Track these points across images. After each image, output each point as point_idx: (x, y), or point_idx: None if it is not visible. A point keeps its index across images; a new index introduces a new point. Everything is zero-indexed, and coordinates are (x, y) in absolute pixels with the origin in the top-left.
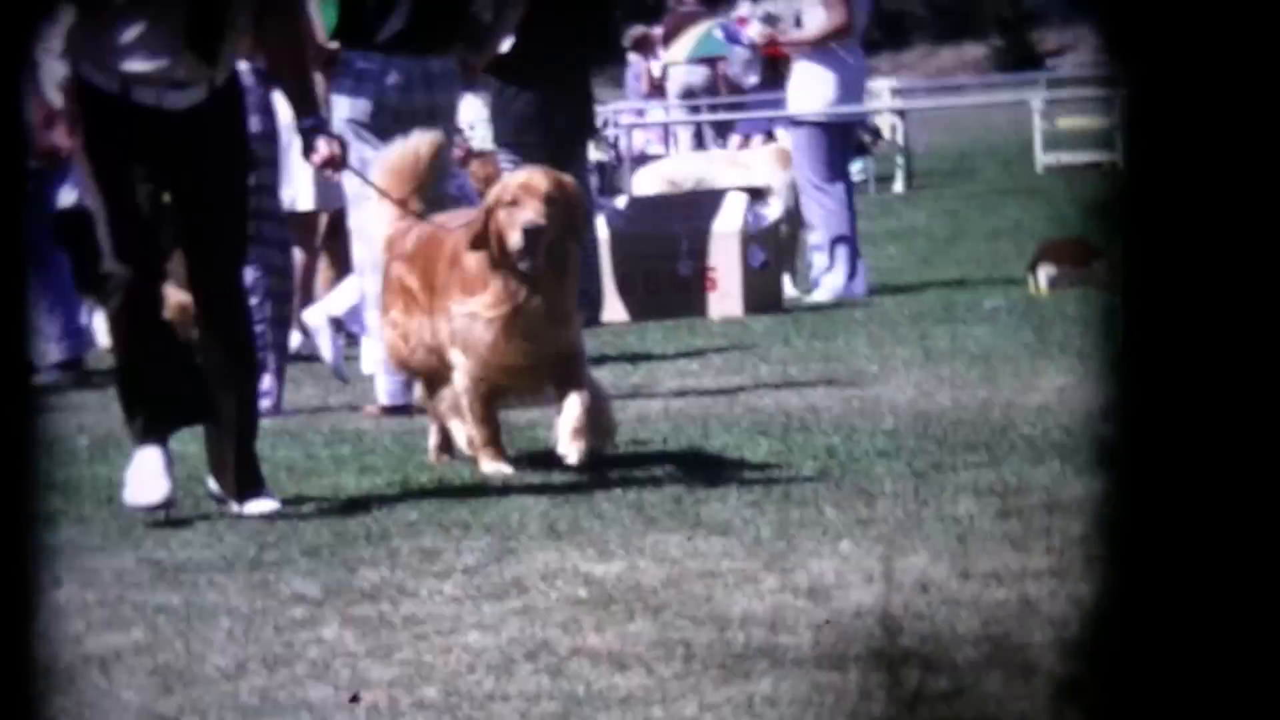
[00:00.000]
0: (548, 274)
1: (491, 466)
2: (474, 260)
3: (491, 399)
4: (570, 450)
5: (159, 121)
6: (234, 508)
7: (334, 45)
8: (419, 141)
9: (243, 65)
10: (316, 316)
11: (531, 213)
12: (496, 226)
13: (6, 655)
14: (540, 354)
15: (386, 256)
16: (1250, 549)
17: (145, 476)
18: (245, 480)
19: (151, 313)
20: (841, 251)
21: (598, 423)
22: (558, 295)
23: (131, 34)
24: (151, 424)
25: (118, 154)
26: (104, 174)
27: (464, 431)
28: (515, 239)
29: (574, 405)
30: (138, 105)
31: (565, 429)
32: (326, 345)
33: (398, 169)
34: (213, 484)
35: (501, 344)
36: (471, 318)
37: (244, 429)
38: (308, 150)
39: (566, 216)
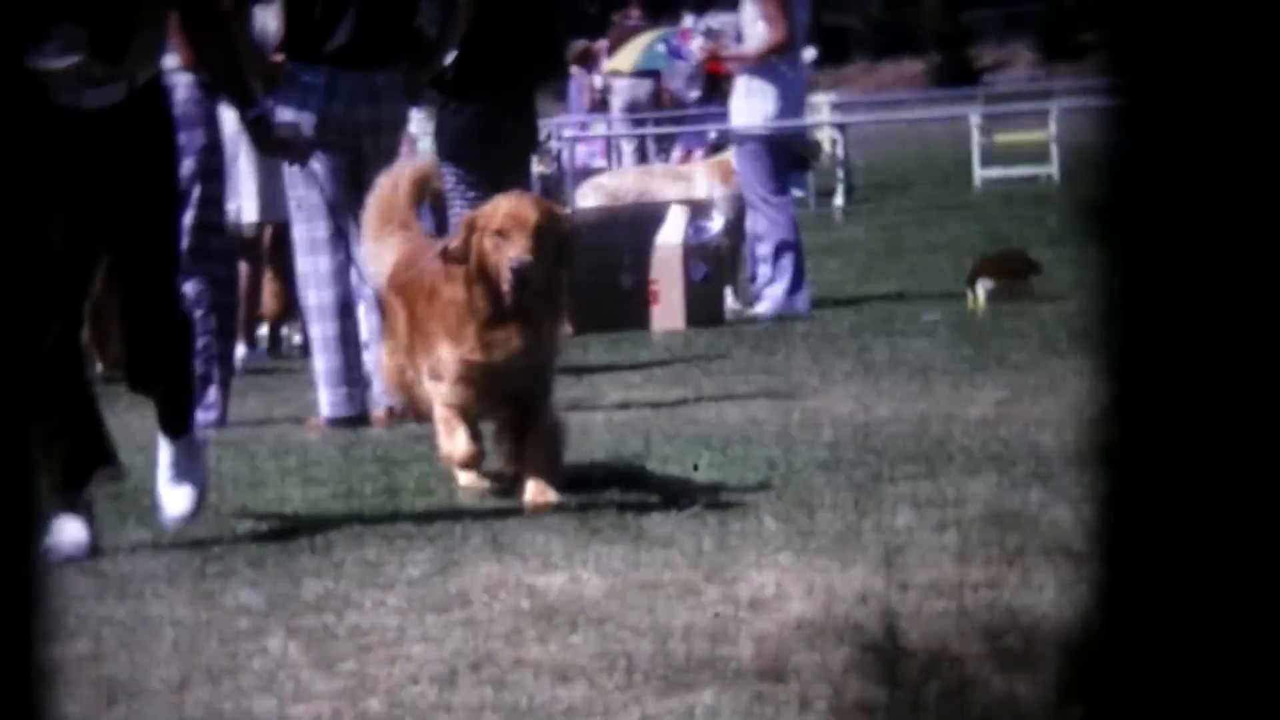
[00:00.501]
0: (532, 310)
1: (466, 477)
2: (451, 289)
3: (469, 419)
4: (541, 498)
5: (78, 122)
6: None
7: (279, 58)
8: (399, 172)
9: (185, 78)
10: None
11: (520, 250)
12: (480, 254)
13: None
14: (513, 390)
15: (387, 289)
16: (1246, 551)
17: (69, 533)
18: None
19: (73, 367)
20: (786, 264)
21: (555, 463)
22: (539, 333)
23: (48, 31)
24: (70, 487)
25: (26, 179)
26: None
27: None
28: (504, 276)
29: (536, 450)
30: (57, 107)
31: (531, 477)
32: None
33: (379, 201)
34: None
35: (476, 379)
36: (448, 351)
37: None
38: (258, 141)
39: (556, 250)
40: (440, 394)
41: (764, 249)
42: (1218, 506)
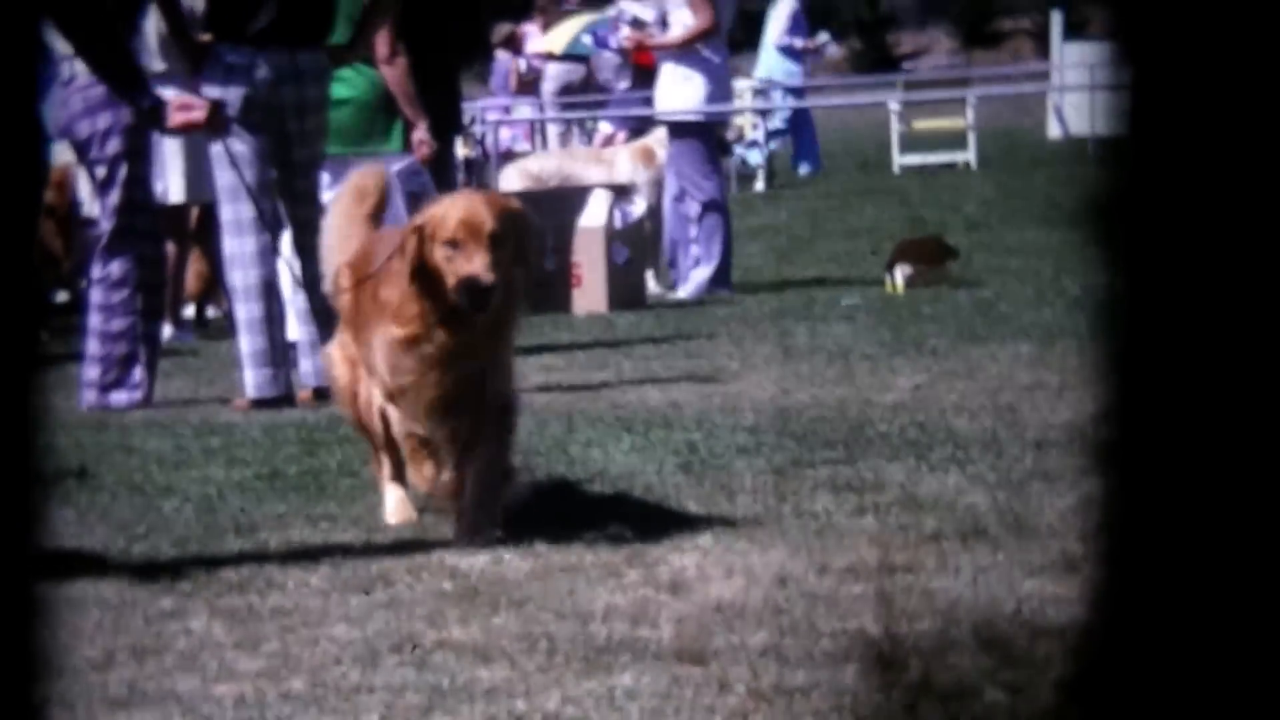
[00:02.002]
0: (489, 322)
1: (396, 510)
2: (402, 303)
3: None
4: (457, 526)
5: None
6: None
7: (206, 38)
8: (360, 178)
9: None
10: None
11: (478, 264)
12: (431, 263)
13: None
14: (465, 403)
15: (341, 287)
16: (1246, 551)
17: None
18: None
19: None
20: (716, 248)
21: (496, 497)
22: (495, 344)
23: None
24: None
25: None
26: None
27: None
28: (461, 297)
29: (477, 481)
30: None
31: (464, 509)
32: None
33: (341, 212)
34: None
35: (424, 389)
36: (392, 357)
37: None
38: (158, 128)
39: (516, 255)
40: (398, 420)
41: (695, 231)
42: (1217, 506)
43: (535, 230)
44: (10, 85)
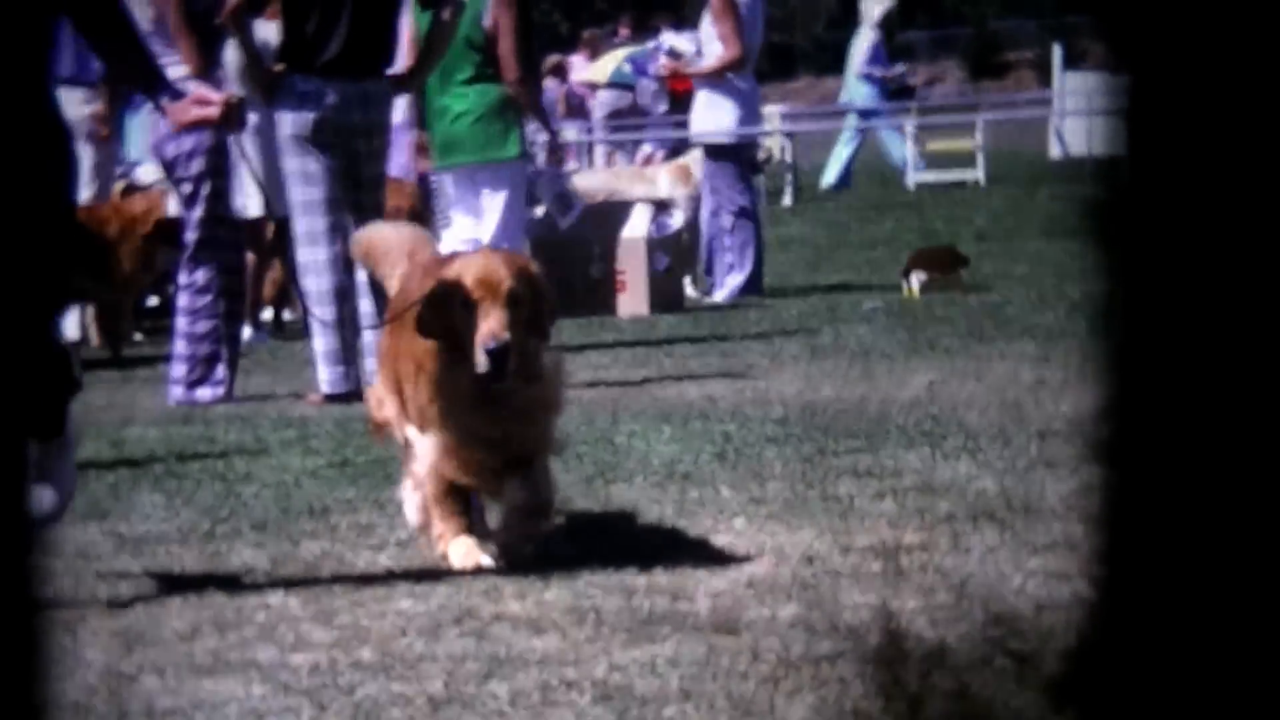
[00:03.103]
0: (519, 381)
1: (464, 557)
2: (429, 359)
3: (452, 490)
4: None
5: None
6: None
7: (279, 68)
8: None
9: (194, 85)
10: None
11: (495, 325)
12: (449, 322)
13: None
14: (504, 455)
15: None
16: (1245, 552)
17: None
18: None
19: None
20: (749, 257)
21: (535, 519)
22: (525, 397)
23: None
24: None
25: None
26: None
27: (417, 515)
28: (479, 359)
29: (515, 503)
30: None
31: (502, 526)
32: None
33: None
34: None
35: (462, 445)
36: (433, 414)
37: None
38: (173, 113)
39: (533, 312)
40: (427, 475)
41: (728, 241)
42: (1216, 507)
43: (550, 290)
44: (27, 80)
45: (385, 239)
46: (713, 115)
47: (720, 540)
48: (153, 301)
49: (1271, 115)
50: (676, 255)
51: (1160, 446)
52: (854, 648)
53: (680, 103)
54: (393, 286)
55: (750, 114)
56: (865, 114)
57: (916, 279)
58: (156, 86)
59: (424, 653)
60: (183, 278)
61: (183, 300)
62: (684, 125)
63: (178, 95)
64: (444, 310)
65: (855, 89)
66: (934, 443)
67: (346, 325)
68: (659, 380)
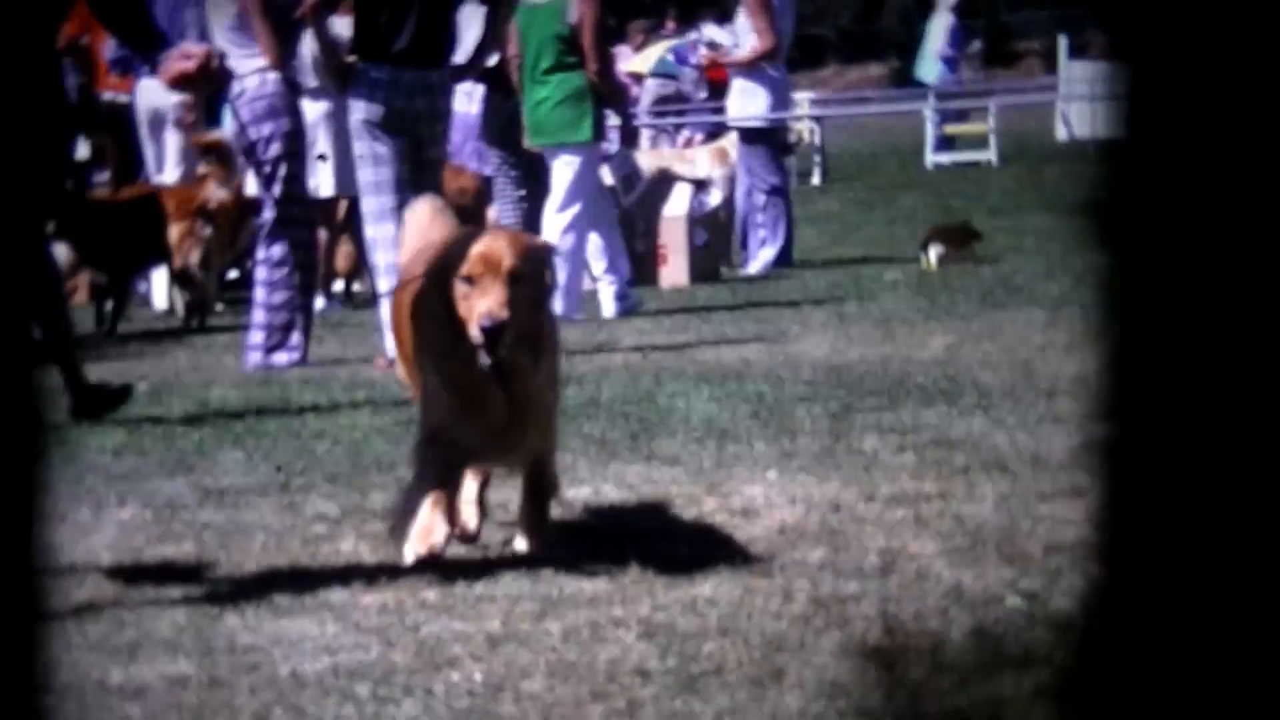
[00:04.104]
0: (515, 363)
1: (416, 547)
2: (430, 334)
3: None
4: (525, 543)
5: None
6: None
7: (351, 59)
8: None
9: (273, 74)
10: None
11: (493, 301)
12: (449, 299)
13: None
14: (505, 450)
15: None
16: (1244, 553)
17: None
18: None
19: None
20: (780, 232)
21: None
22: (525, 384)
23: None
24: None
25: None
26: None
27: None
28: (474, 333)
29: (530, 506)
30: None
31: (524, 523)
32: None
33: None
34: None
35: (462, 428)
36: (431, 388)
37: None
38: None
39: (536, 292)
40: (424, 452)
41: (761, 218)
42: (1215, 507)
43: (554, 269)
44: (34, 70)
45: (414, 215)
46: (748, 101)
47: (754, 490)
48: (233, 275)
49: (1269, 104)
50: (714, 230)
51: (1159, 445)
52: (878, 588)
53: (718, 90)
54: (403, 259)
55: (782, 100)
56: (937, 93)
57: (934, 252)
58: (152, 47)
59: (482, 594)
60: (261, 253)
61: (261, 273)
62: (721, 111)
63: (170, 49)
64: (443, 287)
65: (929, 68)
66: (950, 400)
67: None
68: (698, 345)
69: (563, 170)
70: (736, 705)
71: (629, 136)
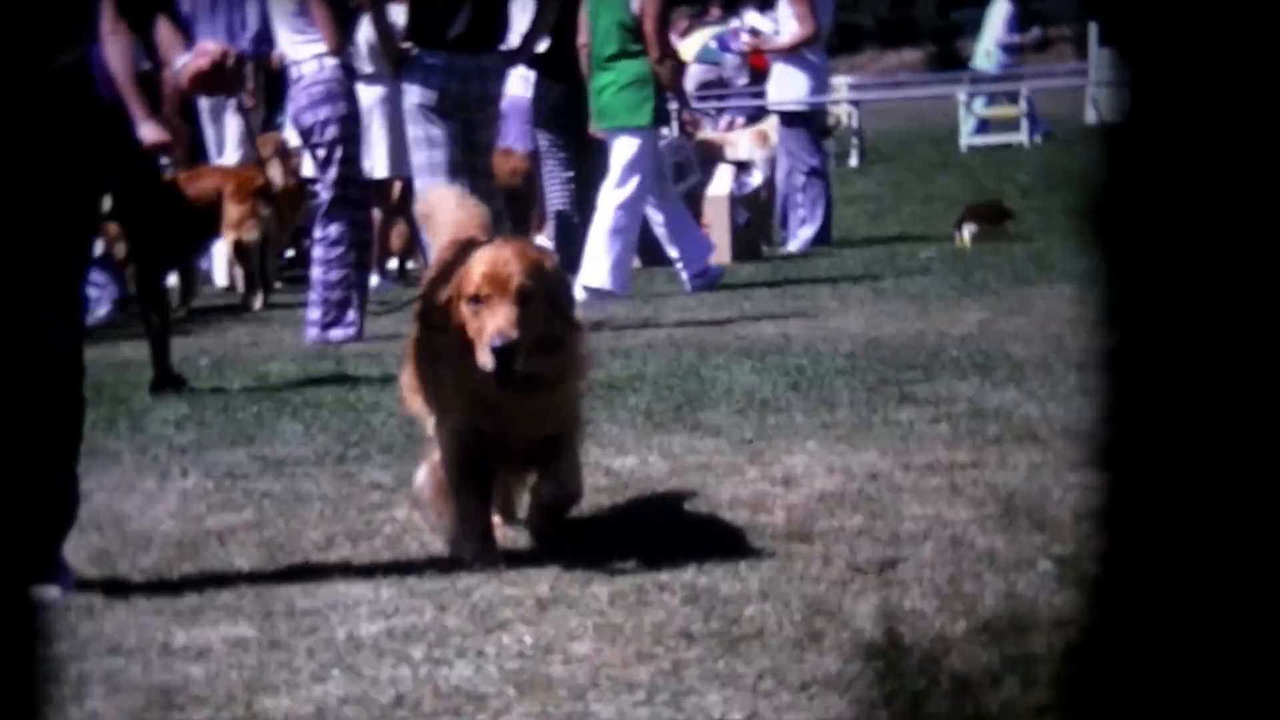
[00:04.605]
0: (535, 376)
1: (477, 556)
2: (445, 353)
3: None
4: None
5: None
6: None
7: (407, 45)
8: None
9: (330, 60)
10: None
11: (502, 321)
12: (458, 323)
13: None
14: (523, 441)
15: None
16: (1244, 554)
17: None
18: None
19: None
20: (819, 212)
21: (562, 514)
22: (548, 399)
23: None
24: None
25: None
26: None
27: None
28: (483, 357)
29: (541, 500)
30: None
31: (534, 520)
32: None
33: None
34: None
35: (478, 454)
36: (447, 395)
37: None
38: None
39: (547, 308)
40: (445, 466)
41: (801, 198)
42: (1214, 508)
43: (565, 280)
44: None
45: (442, 205)
46: (788, 86)
47: (794, 460)
48: (290, 254)
49: (1264, 92)
50: (755, 210)
51: (1159, 444)
52: (914, 553)
53: (759, 76)
54: (432, 254)
55: (821, 85)
56: (987, 78)
57: (968, 230)
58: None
59: (532, 560)
60: (318, 232)
61: (318, 252)
62: (762, 95)
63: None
64: (451, 306)
65: (988, 56)
66: (984, 373)
67: None
68: (740, 320)
69: (622, 151)
70: (777, 666)
71: (688, 124)
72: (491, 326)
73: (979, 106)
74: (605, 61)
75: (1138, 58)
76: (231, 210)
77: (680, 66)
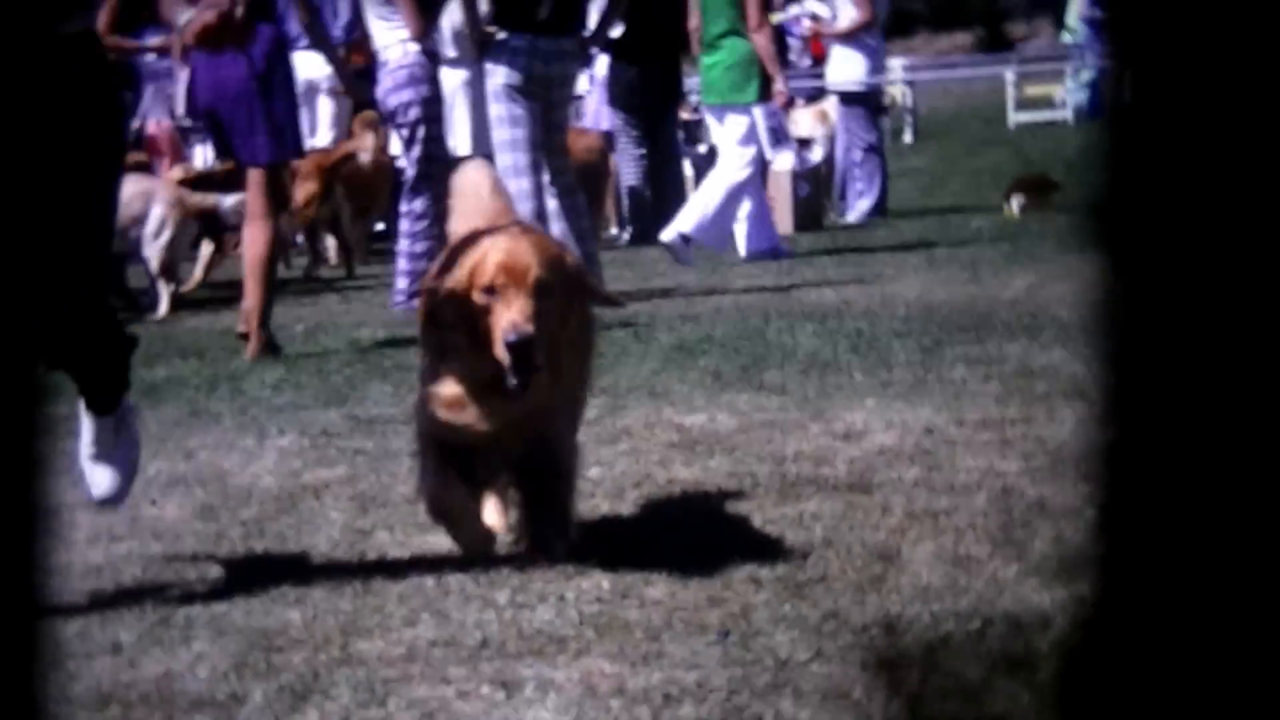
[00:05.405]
0: (547, 370)
1: (471, 543)
2: (451, 346)
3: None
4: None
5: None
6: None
7: (491, 28)
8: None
9: (414, 45)
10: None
11: (517, 314)
12: (471, 310)
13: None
14: (522, 453)
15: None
16: (1244, 555)
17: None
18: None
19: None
20: (875, 186)
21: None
22: (551, 395)
23: None
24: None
25: None
26: None
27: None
28: (499, 351)
29: (542, 504)
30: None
31: (528, 526)
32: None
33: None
34: None
35: (474, 447)
36: (443, 412)
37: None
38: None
39: (564, 302)
40: (431, 460)
41: (858, 172)
42: (1214, 510)
43: (583, 273)
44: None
45: (475, 188)
46: (846, 67)
47: (854, 416)
48: (379, 227)
49: (1265, 85)
50: (816, 184)
51: (1159, 444)
52: (966, 503)
53: (819, 59)
54: (449, 231)
55: (877, 66)
56: (1083, 51)
57: (1016, 202)
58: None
59: (608, 513)
60: (404, 206)
61: (404, 225)
62: (821, 76)
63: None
64: (462, 299)
65: (1076, 31)
66: (1031, 335)
67: None
68: (802, 287)
69: (732, 127)
70: (839, 609)
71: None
72: (506, 320)
73: (1010, 89)
74: (715, 40)
75: (1137, 53)
76: (299, 191)
77: (777, 38)
